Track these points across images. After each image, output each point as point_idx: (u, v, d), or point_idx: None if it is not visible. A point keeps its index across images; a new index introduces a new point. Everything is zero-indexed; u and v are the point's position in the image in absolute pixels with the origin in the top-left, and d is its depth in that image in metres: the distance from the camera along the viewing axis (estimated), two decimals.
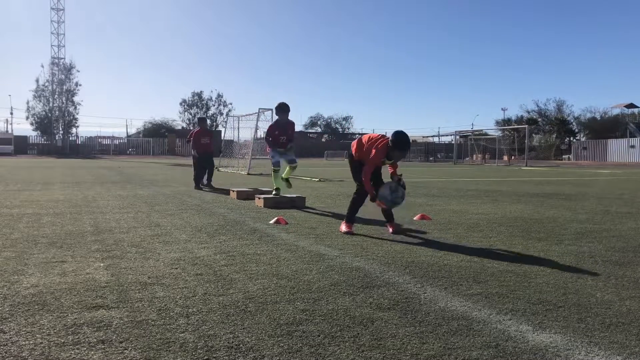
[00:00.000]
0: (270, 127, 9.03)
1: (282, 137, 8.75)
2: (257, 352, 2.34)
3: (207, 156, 12.57)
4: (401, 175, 5.65)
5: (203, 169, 12.37)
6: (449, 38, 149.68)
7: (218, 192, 11.02)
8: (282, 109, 8.66)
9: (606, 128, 67.00)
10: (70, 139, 66.33)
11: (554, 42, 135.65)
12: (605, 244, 5.11)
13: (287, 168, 8.99)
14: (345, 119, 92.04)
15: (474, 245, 4.96)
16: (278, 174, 8.82)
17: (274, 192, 8.71)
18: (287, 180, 8.99)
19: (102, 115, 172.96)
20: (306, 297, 3.17)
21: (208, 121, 24.62)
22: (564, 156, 65.20)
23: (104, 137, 71.79)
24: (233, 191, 9.79)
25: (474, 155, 53.09)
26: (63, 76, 63.73)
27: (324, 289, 3.35)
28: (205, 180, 12.33)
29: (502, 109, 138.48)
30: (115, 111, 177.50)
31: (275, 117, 9.12)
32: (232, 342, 2.45)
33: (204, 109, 76.43)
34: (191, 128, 75.69)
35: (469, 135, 56.76)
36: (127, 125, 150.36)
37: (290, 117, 8.86)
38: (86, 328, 2.60)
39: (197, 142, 12.41)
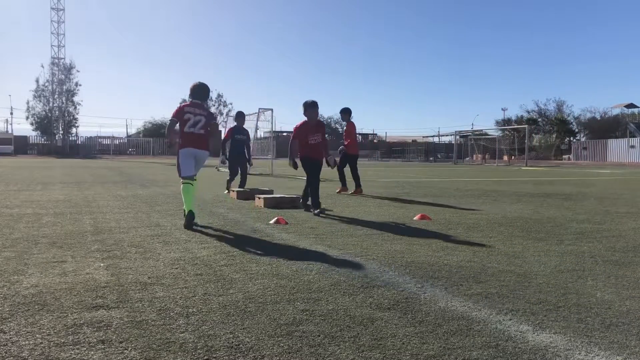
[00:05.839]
0: None
1: None
2: (257, 352, 2.34)
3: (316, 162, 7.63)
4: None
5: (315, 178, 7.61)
6: (449, 38, 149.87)
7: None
8: None
9: (606, 128, 66.90)
10: (70, 139, 66.27)
11: (554, 42, 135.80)
12: (605, 244, 5.11)
13: None
14: None
15: (474, 246, 4.96)
16: None
17: None
18: None
19: (102, 115, 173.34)
20: (306, 297, 3.16)
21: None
22: (564, 156, 65.09)
23: (104, 137, 71.76)
24: (233, 191, 9.82)
25: (474, 155, 53.10)
26: (63, 76, 63.70)
27: (324, 289, 3.35)
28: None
29: (502, 109, 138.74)
30: (115, 111, 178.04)
31: None
32: (232, 342, 2.45)
33: None
34: None
35: (469, 135, 56.77)
36: (127, 125, 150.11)
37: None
38: (86, 328, 2.60)
39: (303, 141, 7.61)
